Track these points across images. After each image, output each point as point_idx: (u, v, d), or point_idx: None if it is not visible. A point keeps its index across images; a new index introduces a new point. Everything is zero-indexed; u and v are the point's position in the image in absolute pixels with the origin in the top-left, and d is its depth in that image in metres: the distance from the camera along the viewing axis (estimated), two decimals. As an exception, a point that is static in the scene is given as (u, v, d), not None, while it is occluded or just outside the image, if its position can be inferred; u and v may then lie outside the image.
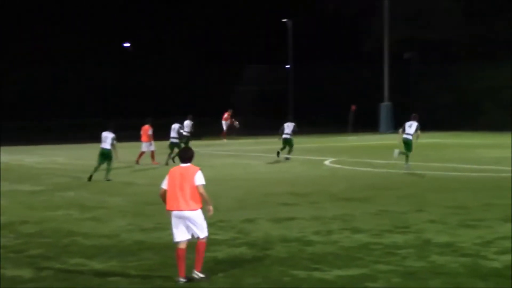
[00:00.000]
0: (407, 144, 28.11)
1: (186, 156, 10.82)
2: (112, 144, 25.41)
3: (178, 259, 10.62)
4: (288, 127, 33.79)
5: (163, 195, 10.75)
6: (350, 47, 76.46)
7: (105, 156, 25.49)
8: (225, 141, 50.74)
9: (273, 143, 45.57)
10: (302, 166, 30.51)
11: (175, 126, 33.05)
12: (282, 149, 33.67)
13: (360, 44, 75.97)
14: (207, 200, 10.65)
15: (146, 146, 32.60)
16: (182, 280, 10.54)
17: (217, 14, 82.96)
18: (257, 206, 18.31)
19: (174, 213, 10.60)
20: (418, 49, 73.07)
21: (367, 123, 65.05)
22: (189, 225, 10.61)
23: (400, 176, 25.91)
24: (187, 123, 41.46)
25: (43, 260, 12.27)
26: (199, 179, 10.58)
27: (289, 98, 78.31)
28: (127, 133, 40.81)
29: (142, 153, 32.56)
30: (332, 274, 10.98)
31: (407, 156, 27.88)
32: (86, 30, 76.71)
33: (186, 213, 10.54)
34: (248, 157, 35.80)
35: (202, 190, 10.57)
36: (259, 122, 52.58)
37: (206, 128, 53.34)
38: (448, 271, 11.03)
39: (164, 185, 10.73)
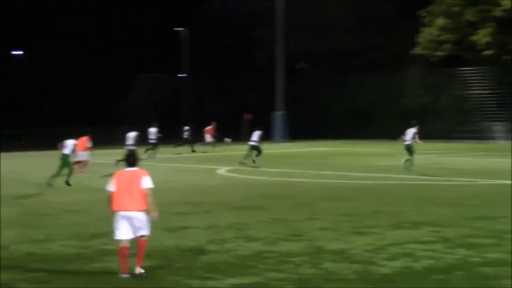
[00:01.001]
0: (407, 149, 30.60)
1: (132, 160, 11.75)
2: (72, 150, 26.63)
3: (122, 256, 11.18)
4: (255, 135, 35.37)
5: (110, 198, 11.34)
6: (244, 56, 76.90)
7: (64, 161, 26.41)
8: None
9: (166, 152, 45.37)
10: (195, 175, 30.47)
11: (132, 134, 34.03)
12: (257, 155, 34.90)
13: (254, 54, 76.54)
14: (152, 204, 11.33)
15: (83, 155, 32.32)
16: (126, 276, 11.08)
17: (112, 23, 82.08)
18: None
19: (120, 213, 11.18)
20: (311, 60, 74.14)
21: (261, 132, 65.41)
22: (134, 224, 11.20)
23: (293, 184, 26.18)
24: (153, 130, 41.37)
25: None
26: (147, 182, 11.37)
27: (183, 107, 78.11)
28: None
29: (80, 162, 32.34)
30: (226, 282, 10.99)
31: (409, 160, 30.47)
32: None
33: (132, 213, 11.17)
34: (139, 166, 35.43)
35: (149, 193, 11.30)
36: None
37: (100, 137, 52.56)
38: (340, 278, 11.21)
39: (111, 188, 11.40)
